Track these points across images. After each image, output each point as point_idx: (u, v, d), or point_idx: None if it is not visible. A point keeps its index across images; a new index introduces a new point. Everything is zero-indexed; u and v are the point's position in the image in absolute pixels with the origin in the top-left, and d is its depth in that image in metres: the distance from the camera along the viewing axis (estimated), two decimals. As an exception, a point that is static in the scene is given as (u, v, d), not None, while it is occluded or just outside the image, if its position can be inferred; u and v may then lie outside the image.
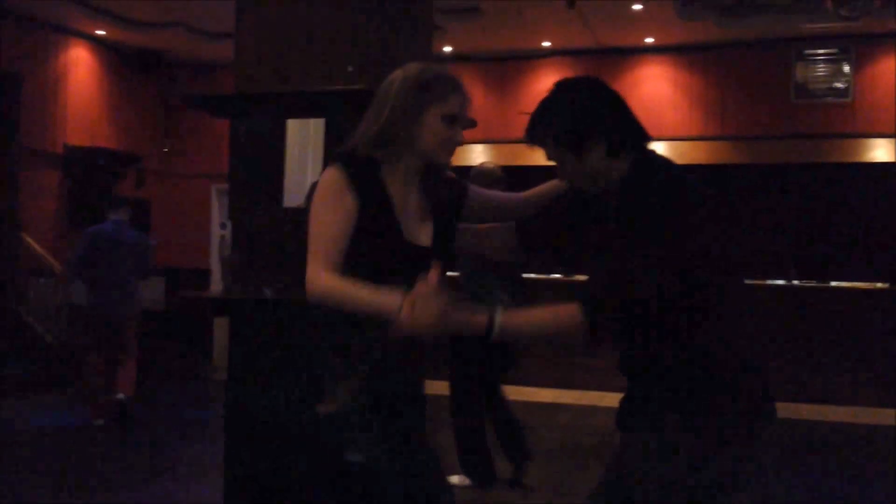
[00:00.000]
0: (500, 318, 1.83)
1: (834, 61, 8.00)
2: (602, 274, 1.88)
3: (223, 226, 3.29)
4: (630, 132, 1.97)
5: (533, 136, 2.00)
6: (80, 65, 8.68)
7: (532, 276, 8.19)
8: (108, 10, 7.84)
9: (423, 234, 2.00)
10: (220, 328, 8.26)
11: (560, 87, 2.01)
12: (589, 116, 1.95)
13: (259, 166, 3.19)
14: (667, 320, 1.88)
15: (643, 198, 1.87)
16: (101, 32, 8.49)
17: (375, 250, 1.92)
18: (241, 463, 3.11)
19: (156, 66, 9.29)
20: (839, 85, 7.98)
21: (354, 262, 1.90)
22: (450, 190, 2.10)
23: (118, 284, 6.26)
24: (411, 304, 1.73)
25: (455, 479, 4.67)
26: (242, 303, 3.07)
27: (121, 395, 6.24)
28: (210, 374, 8.38)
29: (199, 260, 9.30)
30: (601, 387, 6.95)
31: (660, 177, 1.93)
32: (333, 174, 1.92)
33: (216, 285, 8.97)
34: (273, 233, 3.13)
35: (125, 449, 5.72)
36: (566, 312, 1.85)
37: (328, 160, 1.93)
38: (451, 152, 2.00)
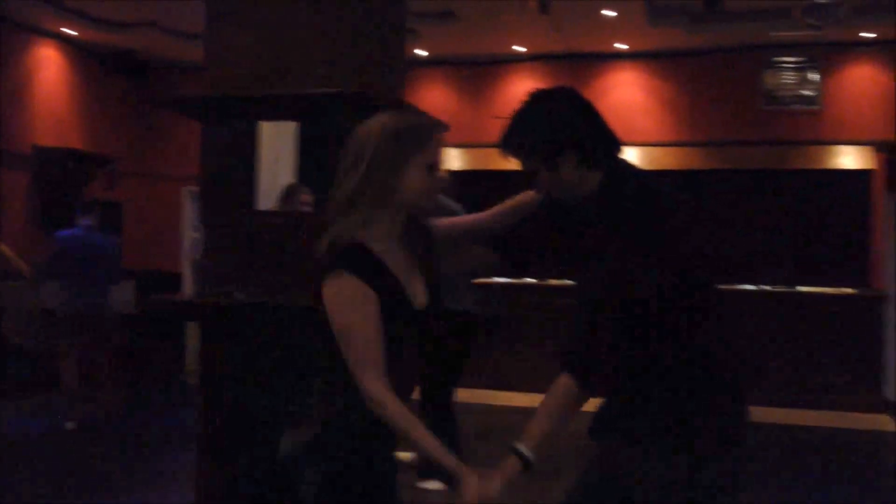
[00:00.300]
0: (525, 447, 1.91)
1: (802, 69, 8.12)
2: (601, 274, 1.88)
3: (195, 228, 3.27)
4: (602, 142, 1.99)
5: (506, 147, 2.02)
6: (49, 65, 8.57)
7: (506, 281, 8.21)
8: (79, 10, 7.76)
9: (419, 292, 2.01)
10: (193, 332, 8.19)
11: (533, 98, 2.03)
12: (560, 128, 1.96)
13: (231, 169, 3.17)
14: (667, 321, 1.89)
15: (626, 206, 1.89)
16: (70, 32, 8.39)
17: (394, 327, 1.93)
18: (213, 469, 3.08)
19: (128, 66, 9.19)
20: (807, 92, 8.10)
21: None
22: (420, 234, 2.08)
23: (91, 288, 6.29)
24: None
25: (429, 485, 4.70)
26: (214, 307, 3.05)
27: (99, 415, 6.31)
28: (182, 378, 8.31)
29: (170, 263, 9.21)
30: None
31: (631, 184, 1.95)
32: (347, 281, 1.88)
33: (188, 289, 8.89)
34: (246, 236, 3.12)
35: (96, 454, 5.65)
36: (562, 389, 1.92)
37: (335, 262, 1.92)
38: (434, 200, 2.01)
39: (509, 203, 2.31)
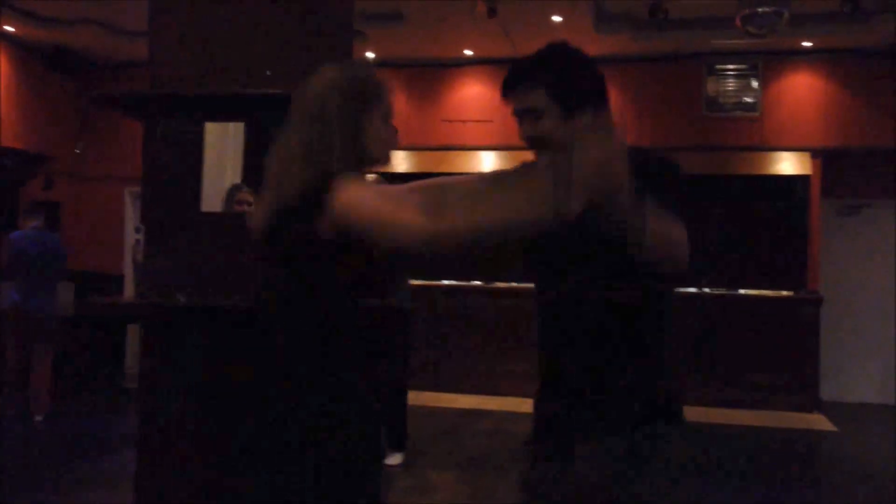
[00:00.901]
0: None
1: (743, 76, 8.31)
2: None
3: (138, 229, 3.20)
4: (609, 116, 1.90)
5: (525, 77, 1.86)
6: (-15, 61, 8.35)
7: (452, 282, 8.24)
8: (17, 6, 7.56)
9: None
10: (133, 335, 8.04)
11: (561, 45, 1.91)
12: (591, 81, 1.87)
13: (175, 169, 3.12)
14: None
15: (654, 173, 1.79)
16: (9, 29, 8.18)
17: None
18: (153, 476, 3.03)
19: (68, 64, 8.98)
20: (748, 99, 8.29)
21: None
22: None
23: (43, 288, 6.44)
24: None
25: (392, 460, 5.16)
26: (154, 309, 2.99)
27: (38, 418, 6.43)
28: (122, 382, 8.17)
29: (111, 265, 9.03)
30: (522, 393, 7.03)
31: (639, 153, 1.84)
32: (351, 179, 1.80)
33: (129, 291, 8.71)
34: (189, 237, 3.07)
35: (34, 455, 5.52)
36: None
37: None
38: (391, 151, 1.95)
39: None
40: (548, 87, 1.82)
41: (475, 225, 1.68)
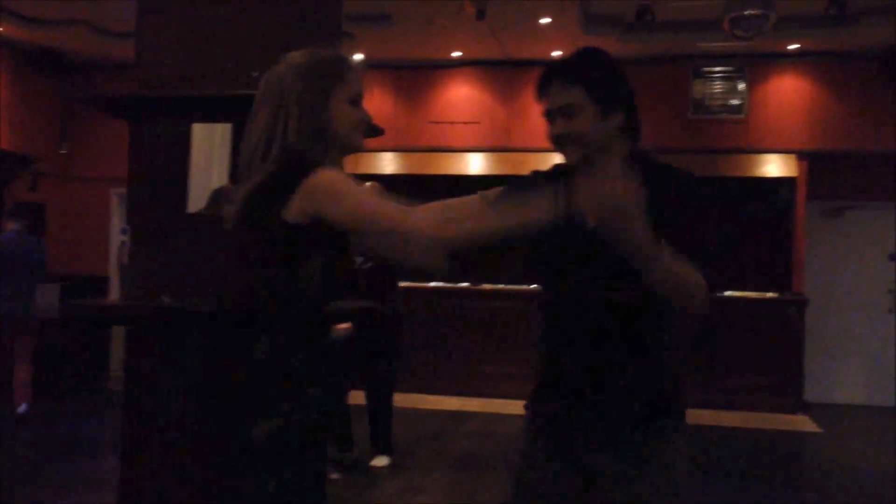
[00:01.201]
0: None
1: (729, 79, 8.35)
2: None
3: (124, 231, 3.19)
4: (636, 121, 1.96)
5: (563, 75, 1.89)
6: (-31, 61, 8.28)
7: (439, 284, 8.23)
8: (3, 6, 7.51)
9: None
10: (119, 337, 8.00)
11: (595, 49, 1.96)
12: (623, 84, 1.93)
13: (161, 171, 3.11)
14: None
15: (684, 178, 1.94)
16: (-7, 28, 8.13)
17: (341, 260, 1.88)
18: (136, 479, 3.01)
19: (55, 64, 8.93)
20: (734, 102, 8.33)
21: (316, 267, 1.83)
22: None
23: (23, 290, 6.48)
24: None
25: (378, 461, 5.19)
26: (141, 311, 2.98)
27: (22, 408, 6.48)
28: (107, 384, 8.12)
29: (97, 266, 8.99)
30: (508, 395, 7.04)
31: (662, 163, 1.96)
32: (333, 170, 1.78)
33: (114, 293, 8.68)
34: (175, 239, 3.06)
35: (14, 457, 5.47)
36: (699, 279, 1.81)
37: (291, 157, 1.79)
38: (363, 134, 1.93)
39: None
40: (586, 85, 1.86)
41: (480, 229, 1.73)
